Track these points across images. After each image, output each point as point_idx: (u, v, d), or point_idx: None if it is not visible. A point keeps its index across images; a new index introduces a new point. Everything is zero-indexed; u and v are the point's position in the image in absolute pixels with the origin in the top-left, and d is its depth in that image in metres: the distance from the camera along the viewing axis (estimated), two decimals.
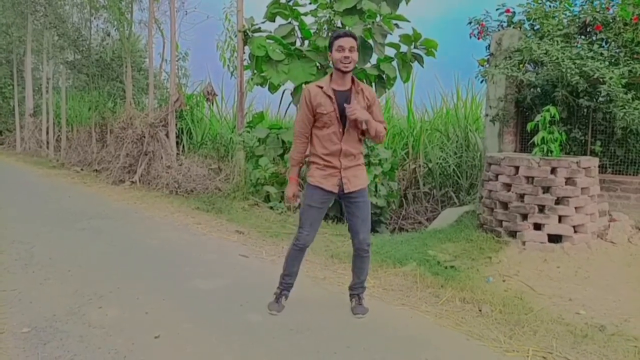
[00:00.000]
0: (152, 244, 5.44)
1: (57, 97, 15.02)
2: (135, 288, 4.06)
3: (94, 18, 13.33)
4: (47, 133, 14.96)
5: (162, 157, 9.44)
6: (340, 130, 3.38)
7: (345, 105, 3.32)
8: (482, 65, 6.58)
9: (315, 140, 3.45)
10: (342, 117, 3.36)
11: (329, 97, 3.34)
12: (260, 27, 8.08)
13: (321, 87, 3.38)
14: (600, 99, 5.43)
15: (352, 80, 3.42)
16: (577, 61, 5.19)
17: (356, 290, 3.69)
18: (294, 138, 3.56)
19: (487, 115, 6.43)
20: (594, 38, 5.68)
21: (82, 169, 11.66)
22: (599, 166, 5.35)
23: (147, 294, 3.92)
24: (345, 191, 3.42)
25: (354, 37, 3.35)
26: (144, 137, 9.77)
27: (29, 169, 12.10)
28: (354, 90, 3.39)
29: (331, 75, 3.44)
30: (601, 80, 5.08)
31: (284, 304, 3.66)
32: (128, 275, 4.39)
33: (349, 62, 3.29)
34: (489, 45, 6.45)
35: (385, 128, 3.54)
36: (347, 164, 3.42)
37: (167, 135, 9.63)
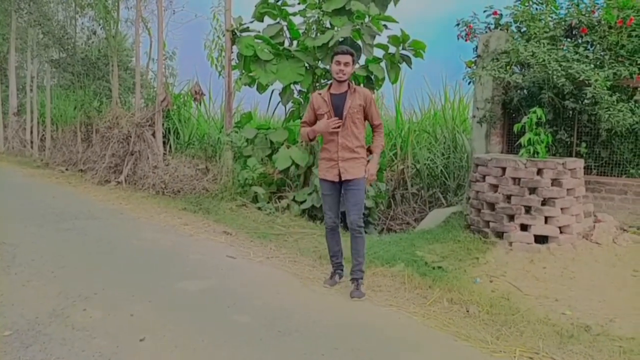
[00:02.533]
0: (138, 245, 5.37)
1: (41, 95, 14.79)
2: (120, 290, 4.00)
3: (80, 16, 13.11)
4: (32, 132, 14.71)
5: (148, 157, 9.33)
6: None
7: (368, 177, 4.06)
8: (470, 67, 6.61)
9: (323, 136, 4.17)
10: (337, 115, 4.04)
11: (325, 100, 4.09)
12: (248, 27, 8.04)
13: (320, 94, 4.16)
14: (586, 101, 5.49)
15: (349, 85, 4.10)
16: (563, 63, 5.24)
17: (355, 274, 4.08)
18: (300, 131, 4.38)
19: (474, 116, 6.47)
20: (579, 41, 5.74)
21: (67, 169, 11.48)
22: (584, 167, 5.41)
23: (132, 296, 3.87)
24: (342, 179, 4.03)
25: (351, 54, 4.03)
26: (130, 136, 9.65)
27: (12, 168, 11.90)
28: (349, 92, 4.06)
29: (331, 83, 4.16)
30: (586, 82, 5.13)
31: (337, 280, 4.26)
32: (113, 276, 4.33)
33: (343, 74, 4.01)
34: (477, 47, 6.48)
35: (381, 129, 4.21)
36: (344, 156, 4.02)
37: (153, 135, 9.52)
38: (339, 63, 3.98)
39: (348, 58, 3.99)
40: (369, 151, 4.20)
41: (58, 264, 4.59)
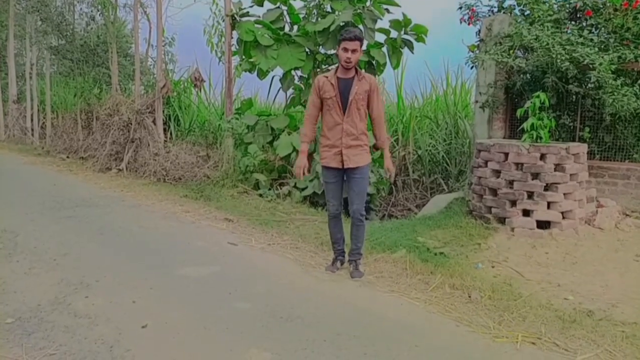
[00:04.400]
0: (139, 232, 5.37)
1: (41, 83, 14.72)
2: (122, 277, 4.01)
3: (78, 2, 13.02)
4: (32, 120, 14.68)
5: (149, 144, 9.31)
6: (341, 111, 3.98)
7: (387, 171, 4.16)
8: (472, 51, 6.53)
9: (323, 122, 4.11)
10: (343, 100, 3.97)
11: (332, 84, 3.99)
12: (248, 12, 7.94)
13: (327, 77, 4.06)
14: (590, 85, 5.43)
15: (356, 70, 4.02)
16: (567, 47, 5.16)
17: (353, 256, 4.17)
18: (304, 119, 4.27)
19: (476, 101, 6.41)
20: (584, 24, 5.66)
21: (67, 157, 11.47)
22: (587, 152, 5.36)
23: (134, 283, 3.87)
24: (345, 167, 4.00)
25: (360, 39, 3.91)
26: (131, 124, 9.62)
27: (13, 156, 11.88)
28: (356, 79, 3.98)
29: (337, 67, 4.08)
30: (591, 66, 5.06)
31: (338, 267, 4.25)
32: (115, 264, 4.33)
33: (350, 62, 3.91)
34: (479, 31, 6.40)
35: (382, 121, 4.13)
36: (348, 142, 3.98)
37: (154, 122, 9.49)
38: (346, 50, 3.87)
39: (356, 45, 3.87)
40: (375, 148, 4.24)
41: (60, 252, 4.59)
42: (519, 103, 6.00)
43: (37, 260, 4.34)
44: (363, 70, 4.16)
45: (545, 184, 4.96)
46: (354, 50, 3.87)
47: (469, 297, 3.70)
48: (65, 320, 3.19)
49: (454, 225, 5.34)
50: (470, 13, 6.51)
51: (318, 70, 7.65)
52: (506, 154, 5.17)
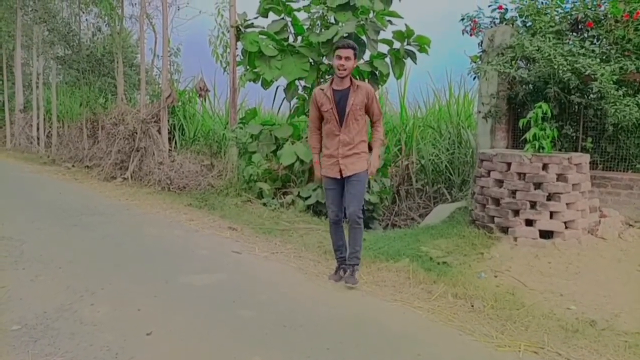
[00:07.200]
0: (144, 241, 5.41)
1: (47, 92, 14.85)
2: (127, 284, 4.04)
3: (84, 13, 13.18)
4: (38, 129, 14.78)
5: (154, 154, 9.37)
6: (338, 123, 4.05)
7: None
8: (475, 62, 6.58)
9: (323, 134, 4.21)
10: (340, 112, 4.04)
11: (328, 97, 4.06)
12: (253, 23, 8.03)
13: (322, 90, 4.11)
14: (592, 95, 5.46)
15: (351, 80, 4.06)
16: (569, 58, 5.21)
17: (351, 260, 4.16)
18: (308, 132, 4.39)
19: (479, 112, 6.45)
20: (585, 35, 5.70)
21: (73, 165, 11.54)
22: (589, 162, 5.38)
23: (139, 291, 3.90)
24: (344, 176, 4.07)
25: (353, 48, 4.00)
26: (136, 133, 9.69)
27: (19, 165, 11.97)
28: (352, 89, 4.03)
29: (333, 78, 4.14)
30: (592, 77, 5.10)
31: (341, 275, 4.21)
32: (120, 271, 4.36)
33: (344, 70, 3.97)
34: (482, 42, 6.46)
35: (380, 123, 4.21)
36: (345, 152, 4.04)
37: (159, 131, 9.56)
38: (339, 57, 3.96)
39: (349, 52, 3.95)
40: (370, 148, 4.24)
41: (65, 259, 4.63)
42: (522, 113, 6.04)
43: (42, 268, 4.38)
44: (358, 79, 4.23)
45: (547, 194, 4.97)
46: (347, 58, 3.94)
47: (472, 306, 3.71)
48: (71, 327, 3.22)
49: (457, 234, 5.35)
50: (472, 24, 6.57)
51: (322, 80, 7.71)
52: (509, 164, 5.19)
